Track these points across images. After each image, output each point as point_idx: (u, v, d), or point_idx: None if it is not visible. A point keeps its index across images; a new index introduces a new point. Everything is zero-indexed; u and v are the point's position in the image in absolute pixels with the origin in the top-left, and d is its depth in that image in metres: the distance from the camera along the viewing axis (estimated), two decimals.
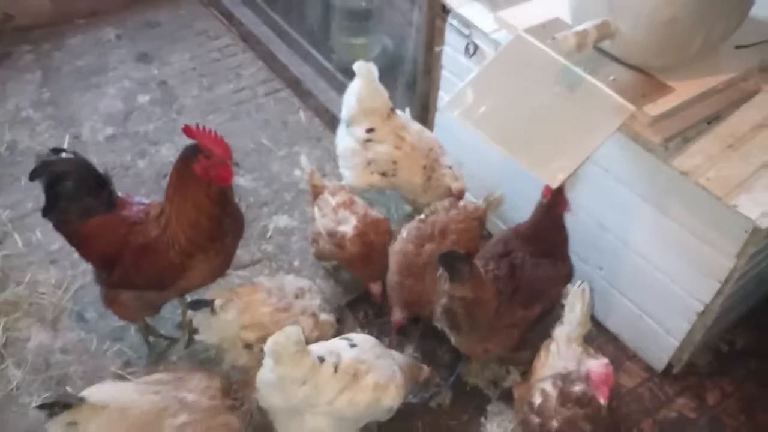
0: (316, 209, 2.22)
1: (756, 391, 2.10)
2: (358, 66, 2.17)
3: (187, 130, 1.65)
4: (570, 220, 1.87)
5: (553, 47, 1.66)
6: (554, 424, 1.60)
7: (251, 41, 3.42)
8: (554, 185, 1.65)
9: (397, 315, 2.06)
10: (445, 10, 2.22)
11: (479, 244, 2.09)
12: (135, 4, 3.63)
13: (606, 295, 2.15)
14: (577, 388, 1.60)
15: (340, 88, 2.61)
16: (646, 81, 1.73)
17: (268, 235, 2.50)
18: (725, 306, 1.89)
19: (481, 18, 2.10)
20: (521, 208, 2.03)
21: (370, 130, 2.22)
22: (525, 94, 1.79)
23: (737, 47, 1.85)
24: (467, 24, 2.14)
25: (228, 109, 3.07)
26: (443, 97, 2.42)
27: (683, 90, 1.72)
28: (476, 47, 2.14)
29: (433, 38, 2.36)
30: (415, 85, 2.58)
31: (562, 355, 1.70)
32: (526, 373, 1.86)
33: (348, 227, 2.12)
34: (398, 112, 2.29)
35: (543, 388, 1.67)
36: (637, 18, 1.64)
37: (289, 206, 2.62)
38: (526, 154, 1.72)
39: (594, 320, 2.13)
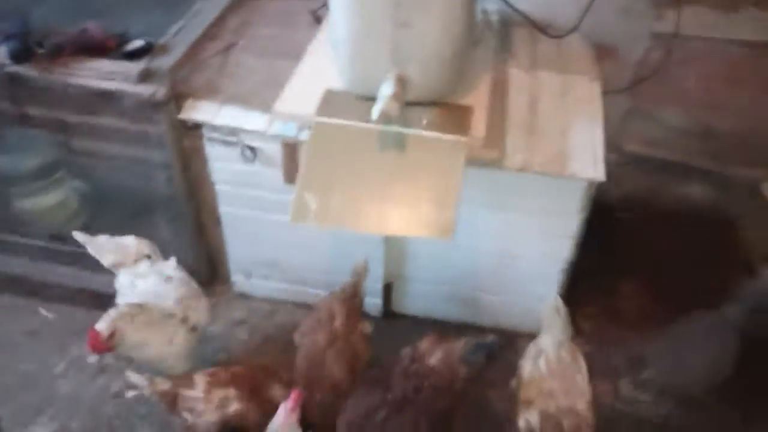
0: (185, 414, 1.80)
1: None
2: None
3: None
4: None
5: (379, 120, 1.63)
6: None
7: None
8: (450, 235, 1.65)
9: None
10: (194, 127, 2.00)
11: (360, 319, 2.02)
12: None
13: (482, 303, 2.29)
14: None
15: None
16: (449, 110, 1.82)
17: None
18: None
19: (245, 119, 1.94)
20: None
21: None
22: (365, 172, 1.73)
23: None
24: (232, 131, 1.95)
25: None
26: (226, 212, 2.20)
27: (476, 102, 1.87)
28: (253, 149, 1.98)
29: (188, 162, 2.10)
30: (181, 218, 2.27)
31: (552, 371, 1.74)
32: None
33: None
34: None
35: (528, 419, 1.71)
36: (426, 63, 1.71)
37: None
38: (406, 225, 1.68)
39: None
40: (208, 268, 2.42)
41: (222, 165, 2.06)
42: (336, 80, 1.88)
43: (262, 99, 1.97)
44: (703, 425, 2.09)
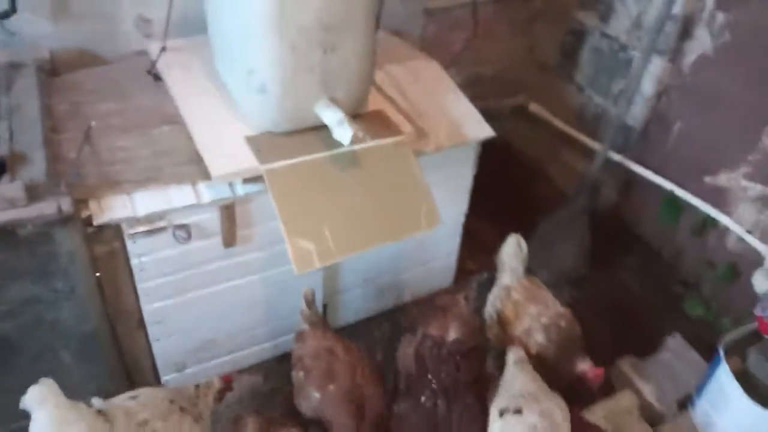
0: None
1: None
2: None
3: None
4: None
5: (352, 143, 1.69)
6: None
7: None
8: (439, 221, 1.83)
9: None
10: (106, 230, 1.72)
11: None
12: None
13: (403, 283, 2.50)
14: None
15: None
16: (370, 118, 1.95)
17: None
18: None
19: (169, 199, 1.76)
20: None
21: None
22: (337, 198, 1.77)
23: None
24: (159, 216, 1.75)
25: None
26: (152, 309, 1.95)
27: (381, 105, 2.04)
28: (185, 227, 1.81)
29: (102, 274, 1.80)
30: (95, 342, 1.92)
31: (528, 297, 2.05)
32: None
33: None
34: None
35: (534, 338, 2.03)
36: (351, 82, 1.81)
37: None
38: (400, 228, 1.80)
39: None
40: (127, 383, 2.10)
41: (147, 259, 1.82)
42: (244, 127, 1.85)
43: (171, 172, 1.80)
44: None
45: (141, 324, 1.99)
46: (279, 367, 2.26)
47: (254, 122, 1.84)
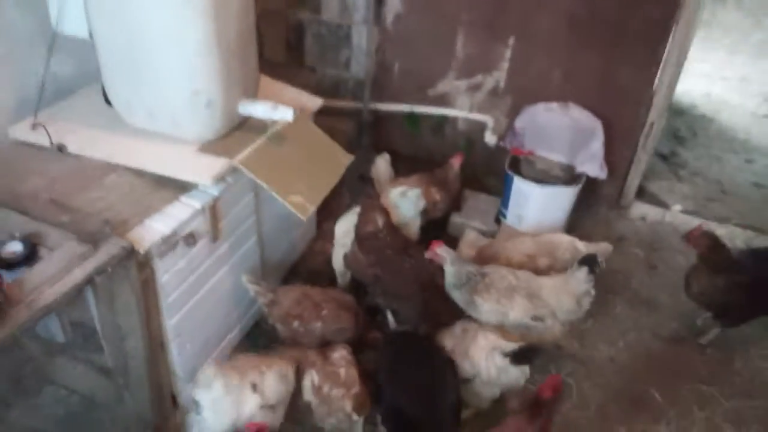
0: None
1: None
2: None
3: None
4: None
5: (295, 115, 2.27)
6: None
7: None
8: (349, 160, 2.56)
9: None
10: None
11: None
12: None
13: None
14: None
15: None
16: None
17: None
18: None
19: (175, 213, 2.08)
20: None
21: None
22: (291, 163, 2.36)
23: None
24: (176, 229, 2.06)
25: None
26: (173, 324, 2.21)
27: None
28: (191, 234, 2.15)
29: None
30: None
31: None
32: None
33: None
34: None
35: None
36: (255, 81, 2.37)
37: None
38: (335, 171, 2.48)
39: None
40: (160, 412, 2.31)
41: (168, 276, 2.09)
42: (183, 144, 2.25)
43: (156, 198, 2.12)
44: None
45: (163, 347, 2.22)
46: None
47: (196, 135, 2.24)
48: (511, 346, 2.17)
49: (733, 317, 2.71)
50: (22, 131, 2.29)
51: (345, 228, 2.79)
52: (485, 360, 2.18)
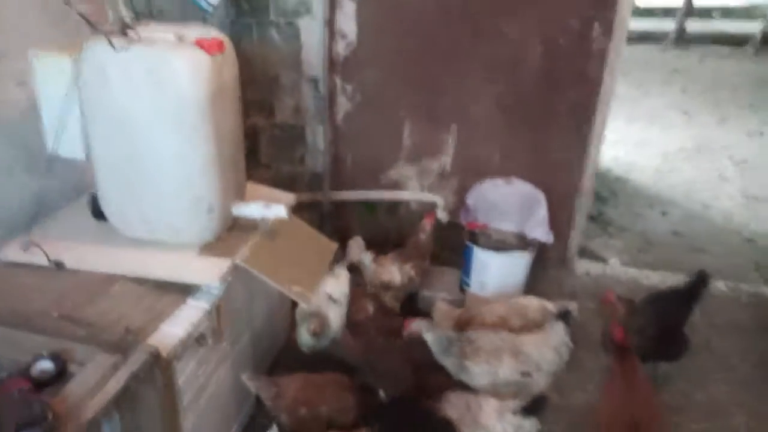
0: None
1: None
2: None
3: None
4: None
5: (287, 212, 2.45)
6: None
7: None
8: (334, 249, 2.76)
9: None
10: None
11: None
12: None
13: None
14: None
15: None
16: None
17: None
18: None
19: (185, 317, 2.18)
20: None
21: None
22: (284, 255, 2.52)
23: None
24: (191, 331, 2.16)
25: None
26: (189, 428, 2.26)
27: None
28: (202, 334, 2.24)
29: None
30: None
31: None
32: None
33: None
34: None
35: None
36: (242, 184, 2.55)
37: None
38: (324, 261, 2.65)
39: None
40: None
41: (184, 377, 2.17)
42: (182, 250, 2.38)
43: (165, 302, 2.22)
44: None
45: None
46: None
47: (196, 239, 2.39)
48: (517, 402, 2.35)
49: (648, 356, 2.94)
50: (13, 252, 2.34)
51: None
52: (498, 422, 2.34)
